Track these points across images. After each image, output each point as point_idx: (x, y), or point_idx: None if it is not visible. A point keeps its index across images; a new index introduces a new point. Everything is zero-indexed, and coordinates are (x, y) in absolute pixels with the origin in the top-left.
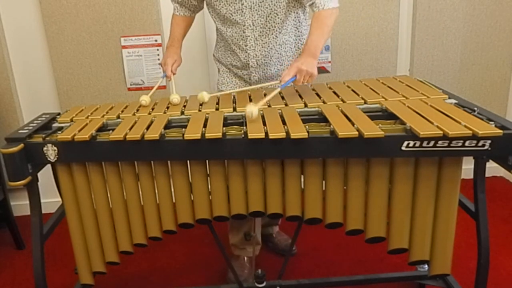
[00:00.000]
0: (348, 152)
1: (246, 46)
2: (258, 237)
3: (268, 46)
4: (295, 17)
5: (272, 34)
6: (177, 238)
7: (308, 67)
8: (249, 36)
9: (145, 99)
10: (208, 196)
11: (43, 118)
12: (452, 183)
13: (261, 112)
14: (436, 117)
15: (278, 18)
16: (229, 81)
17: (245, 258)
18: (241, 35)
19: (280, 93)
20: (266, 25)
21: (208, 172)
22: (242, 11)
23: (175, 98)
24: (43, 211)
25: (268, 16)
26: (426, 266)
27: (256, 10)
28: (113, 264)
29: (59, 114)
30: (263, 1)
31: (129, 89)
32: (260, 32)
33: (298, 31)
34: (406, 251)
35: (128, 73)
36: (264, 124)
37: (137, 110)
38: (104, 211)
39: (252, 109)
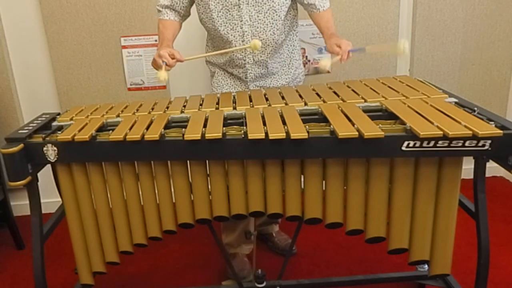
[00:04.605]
0: (348, 152)
1: (243, 42)
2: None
3: (265, 43)
4: (293, 15)
5: (270, 30)
6: (177, 238)
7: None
8: (246, 31)
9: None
10: (208, 196)
11: (43, 118)
12: (452, 183)
13: (261, 112)
14: (436, 117)
15: (276, 15)
16: (224, 83)
17: (243, 254)
18: (237, 31)
19: (280, 93)
20: (264, 21)
21: (208, 172)
22: (239, 7)
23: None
24: (43, 211)
25: (267, 12)
26: (426, 266)
27: (253, 5)
28: (113, 264)
29: (59, 114)
30: None
31: (129, 89)
32: (258, 27)
33: (294, 30)
34: (406, 251)
35: (128, 73)
36: (264, 124)
37: (137, 110)
38: (104, 211)
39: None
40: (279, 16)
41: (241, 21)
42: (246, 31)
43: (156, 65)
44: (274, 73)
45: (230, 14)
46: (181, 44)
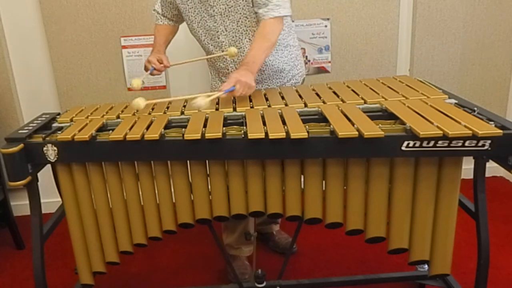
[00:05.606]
0: (348, 152)
1: (222, 52)
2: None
3: (244, 50)
4: None
5: (246, 38)
6: (177, 238)
7: (247, 79)
8: (223, 41)
9: (137, 82)
10: (208, 196)
11: (43, 118)
12: (452, 183)
13: (261, 112)
14: (436, 117)
15: (249, 21)
16: (218, 86)
17: (244, 257)
18: (216, 41)
19: (280, 93)
20: (238, 30)
21: (208, 172)
22: (214, 18)
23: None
24: (43, 211)
25: (239, 21)
26: (426, 266)
27: (226, 16)
28: (113, 264)
29: (59, 114)
30: (232, 7)
31: (129, 89)
32: (233, 37)
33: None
34: (406, 251)
35: (128, 73)
36: (264, 124)
37: (137, 110)
38: (104, 211)
39: (201, 102)
40: (251, 23)
41: (217, 31)
42: (223, 41)
43: (146, 70)
44: (263, 79)
45: (207, 25)
46: (182, 46)
